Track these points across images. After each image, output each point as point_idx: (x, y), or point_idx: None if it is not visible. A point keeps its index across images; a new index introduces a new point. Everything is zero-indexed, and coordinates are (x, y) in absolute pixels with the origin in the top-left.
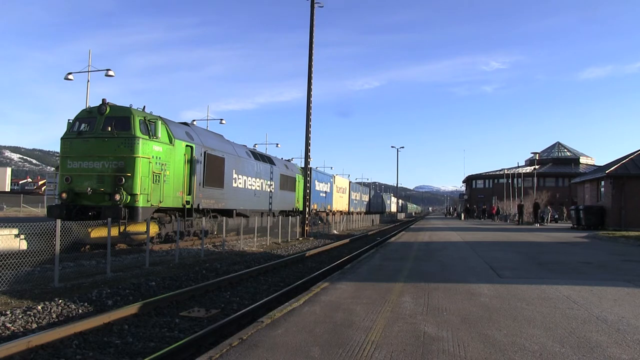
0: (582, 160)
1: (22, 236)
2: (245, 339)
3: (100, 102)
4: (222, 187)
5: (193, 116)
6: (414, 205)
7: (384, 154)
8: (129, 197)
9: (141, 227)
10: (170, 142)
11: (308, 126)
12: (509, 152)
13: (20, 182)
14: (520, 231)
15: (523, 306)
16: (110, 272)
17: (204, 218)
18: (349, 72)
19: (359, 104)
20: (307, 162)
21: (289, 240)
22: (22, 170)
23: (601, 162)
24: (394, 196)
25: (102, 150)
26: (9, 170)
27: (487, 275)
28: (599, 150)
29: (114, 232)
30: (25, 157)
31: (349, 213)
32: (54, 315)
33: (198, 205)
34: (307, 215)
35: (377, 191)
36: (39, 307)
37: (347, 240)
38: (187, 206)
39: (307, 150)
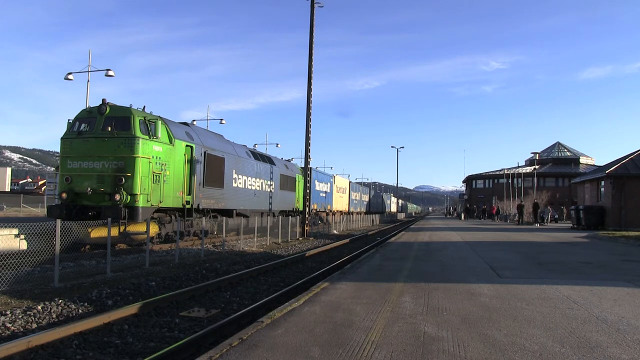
0: (582, 160)
1: (22, 236)
2: (245, 339)
3: (100, 102)
4: (222, 187)
5: (193, 116)
6: (414, 205)
7: (384, 154)
8: (129, 197)
9: (141, 227)
10: (170, 142)
11: (308, 126)
12: (509, 152)
13: (20, 182)
14: (520, 231)
15: (523, 306)
16: (110, 272)
17: (204, 218)
18: (349, 72)
19: (359, 104)
20: (307, 162)
21: (289, 240)
22: (22, 170)
23: (601, 162)
24: (394, 196)
25: (102, 150)
26: (9, 170)
27: (487, 275)
28: (599, 150)
29: (114, 232)
30: (25, 157)
31: (349, 213)
32: (54, 315)
33: (198, 205)
34: (307, 215)
35: (377, 191)
36: (39, 307)
37: (347, 240)
38: (187, 206)
39: (307, 150)
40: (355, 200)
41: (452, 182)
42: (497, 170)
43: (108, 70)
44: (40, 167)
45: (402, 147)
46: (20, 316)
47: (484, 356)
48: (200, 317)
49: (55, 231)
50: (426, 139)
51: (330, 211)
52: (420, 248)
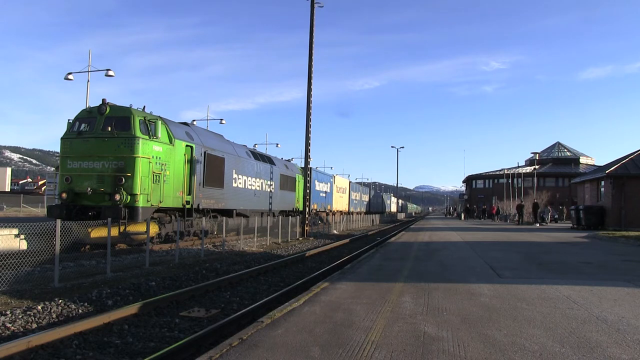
0: (582, 160)
1: (22, 236)
2: (245, 339)
3: (100, 102)
4: (222, 187)
5: (193, 116)
6: (414, 205)
7: (384, 154)
8: (129, 197)
9: (141, 227)
10: (170, 142)
11: (308, 126)
12: (509, 152)
13: (20, 182)
14: (520, 231)
15: (523, 306)
16: (110, 272)
17: (204, 218)
18: (349, 72)
19: (359, 104)
20: (307, 162)
21: (289, 240)
22: (22, 170)
23: (601, 162)
24: (394, 196)
25: (102, 150)
26: (9, 170)
27: (487, 275)
28: (599, 150)
29: (114, 232)
30: (25, 157)
31: (349, 213)
32: (54, 315)
33: (198, 205)
34: (307, 215)
35: (377, 191)
36: (39, 307)
37: (347, 240)
38: (187, 206)
39: (307, 150)
40: (355, 200)
41: (452, 182)
42: (497, 170)
43: (108, 70)
44: (40, 167)
45: (402, 147)
46: (20, 316)
47: (484, 356)
48: (200, 317)
49: (55, 231)
50: (426, 139)
51: (330, 211)
52: (420, 248)
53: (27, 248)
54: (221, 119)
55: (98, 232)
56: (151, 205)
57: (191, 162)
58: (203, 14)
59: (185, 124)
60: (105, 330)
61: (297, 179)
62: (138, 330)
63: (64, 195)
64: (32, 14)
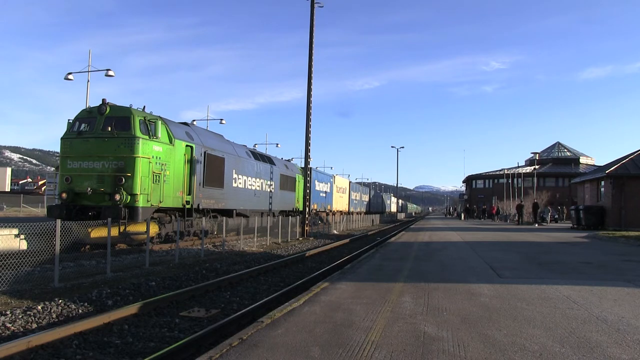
0: (582, 160)
1: (22, 236)
2: (245, 339)
3: (100, 102)
4: (222, 187)
5: (193, 116)
6: (414, 205)
7: (384, 154)
8: (129, 197)
9: (141, 227)
10: (170, 142)
11: (308, 126)
12: (509, 152)
13: (20, 182)
14: (520, 231)
15: (523, 306)
16: (110, 272)
17: (204, 218)
18: (349, 72)
19: (359, 104)
20: (307, 162)
21: (289, 240)
22: (22, 170)
23: (601, 162)
24: (394, 196)
25: (102, 150)
26: (9, 170)
27: (487, 275)
28: (599, 150)
29: (114, 232)
30: (25, 157)
31: (349, 213)
32: (54, 315)
33: (198, 205)
34: (307, 215)
35: (377, 191)
36: (39, 307)
37: (347, 240)
38: (187, 206)
39: (307, 150)
40: (355, 200)
41: (452, 182)
42: (497, 170)
43: (108, 70)
44: (40, 167)
45: (402, 147)
46: (20, 316)
47: (484, 356)
48: (200, 317)
49: (55, 231)
50: (426, 139)
51: (330, 211)
52: (420, 248)
53: (27, 248)
54: (221, 119)
55: (98, 232)
56: (151, 205)
57: (191, 162)
58: (203, 14)
59: (185, 124)
60: (105, 330)
61: (297, 179)
62: (138, 330)
63: (64, 195)
64: (32, 14)
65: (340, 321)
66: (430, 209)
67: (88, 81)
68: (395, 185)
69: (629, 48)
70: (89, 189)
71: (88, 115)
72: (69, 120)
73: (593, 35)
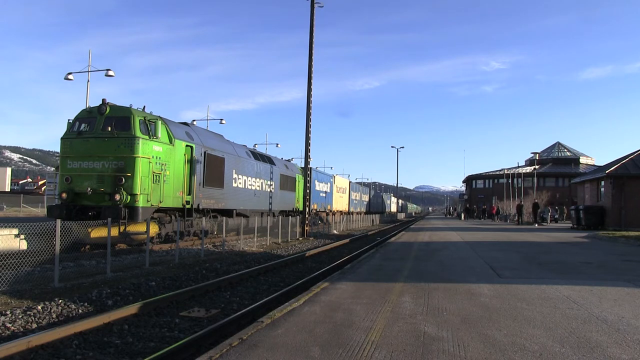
0: (582, 160)
1: (22, 236)
2: (245, 339)
3: (100, 102)
4: (222, 187)
5: (193, 116)
6: (414, 205)
7: (384, 154)
8: (129, 197)
9: (141, 227)
10: (170, 142)
11: (308, 126)
12: (509, 152)
13: (20, 182)
14: (520, 231)
15: (523, 306)
16: (110, 272)
17: (204, 218)
18: (349, 72)
19: (359, 104)
20: (307, 162)
21: (289, 240)
22: (22, 170)
23: (601, 162)
24: (394, 196)
25: (102, 150)
26: (9, 170)
27: (487, 275)
28: (599, 150)
29: (114, 232)
30: (25, 157)
31: (349, 213)
32: (54, 315)
33: (198, 205)
34: (307, 215)
35: (377, 191)
36: (39, 307)
37: (347, 240)
38: (187, 206)
39: (307, 150)
40: (355, 200)
41: (452, 182)
42: (497, 170)
43: (108, 70)
44: (40, 167)
45: (402, 147)
46: (20, 316)
47: (484, 356)
48: (200, 317)
49: (55, 231)
50: (426, 139)
51: (330, 211)
52: (420, 248)
53: (27, 248)
54: (221, 119)
55: (98, 232)
56: (151, 205)
57: (191, 162)
58: (203, 14)
59: (185, 124)
60: (105, 330)
61: (297, 179)
62: (138, 330)
63: (64, 195)
64: (32, 14)
65: (340, 321)
66: (430, 209)
67: (88, 81)
68: (395, 185)
69: (629, 48)
70: (89, 189)
71: (88, 115)
72: (69, 120)
73: (593, 35)
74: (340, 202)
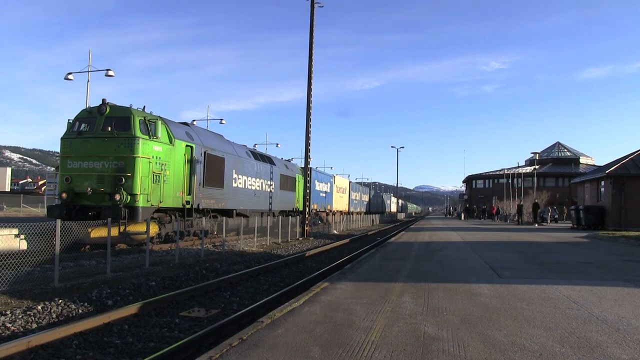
0: (582, 160)
1: (22, 236)
2: (245, 339)
3: (100, 102)
4: (222, 187)
5: (193, 116)
6: (414, 205)
7: (384, 154)
8: (129, 197)
9: (141, 227)
10: (170, 142)
11: (308, 126)
12: (509, 152)
13: (20, 182)
14: (520, 231)
15: (523, 306)
16: (110, 272)
17: (204, 218)
18: (349, 72)
19: (359, 104)
20: (307, 162)
21: (289, 240)
22: (22, 170)
23: (601, 162)
24: (394, 196)
25: (102, 150)
26: (9, 170)
27: (487, 275)
28: (599, 150)
29: (114, 232)
30: (25, 157)
31: (349, 213)
32: (54, 315)
33: (198, 205)
34: (307, 215)
35: (377, 191)
36: (39, 307)
37: (347, 240)
38: (187, 206)
39: (307, 150)
40: (355, 200)
41: (452, 182)
42: (497, 170)
43: (108, 70)
44: (40, 167)
45: (402, 147)
46: (20, 316)
47: (484, 356)
48: (200, 317)
49: (55, 231)
50: (426, 139)
51: (330, 211)
52: (420, 248)
53: (27, 248)
54: (221, 119)
55: (98, 232)
56: (151, 205)
57: (191, 162)
58: (203, 14)
59: (185, 124)
60: (105, 330)
61: (297, 179)
62: (138, 330)
63: (64, 195)
64: (32, 14)
65: (340, 321)
66: (430, 209)
67: (88, 81)
68: (395, 185)
69: (629, 48)
70: (89, 189)
71: (88, 115)
72: (69, 120)
73: (593, 35)
74: (340, 202)
